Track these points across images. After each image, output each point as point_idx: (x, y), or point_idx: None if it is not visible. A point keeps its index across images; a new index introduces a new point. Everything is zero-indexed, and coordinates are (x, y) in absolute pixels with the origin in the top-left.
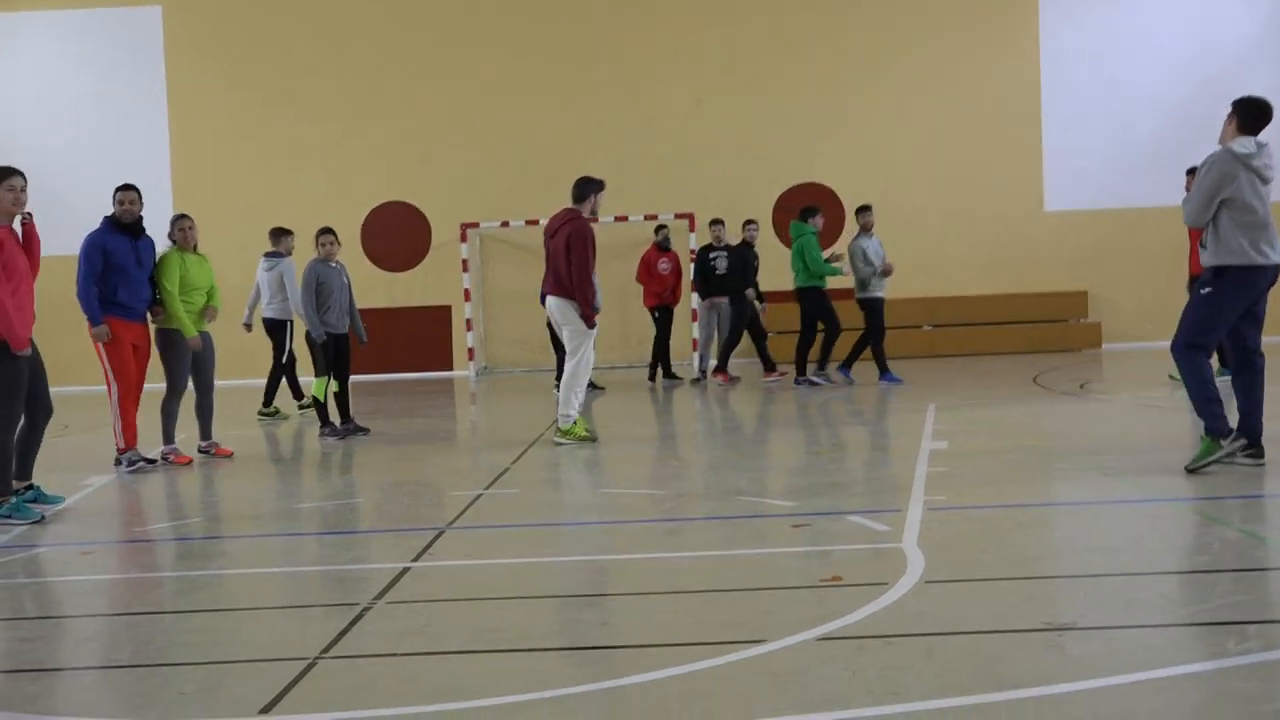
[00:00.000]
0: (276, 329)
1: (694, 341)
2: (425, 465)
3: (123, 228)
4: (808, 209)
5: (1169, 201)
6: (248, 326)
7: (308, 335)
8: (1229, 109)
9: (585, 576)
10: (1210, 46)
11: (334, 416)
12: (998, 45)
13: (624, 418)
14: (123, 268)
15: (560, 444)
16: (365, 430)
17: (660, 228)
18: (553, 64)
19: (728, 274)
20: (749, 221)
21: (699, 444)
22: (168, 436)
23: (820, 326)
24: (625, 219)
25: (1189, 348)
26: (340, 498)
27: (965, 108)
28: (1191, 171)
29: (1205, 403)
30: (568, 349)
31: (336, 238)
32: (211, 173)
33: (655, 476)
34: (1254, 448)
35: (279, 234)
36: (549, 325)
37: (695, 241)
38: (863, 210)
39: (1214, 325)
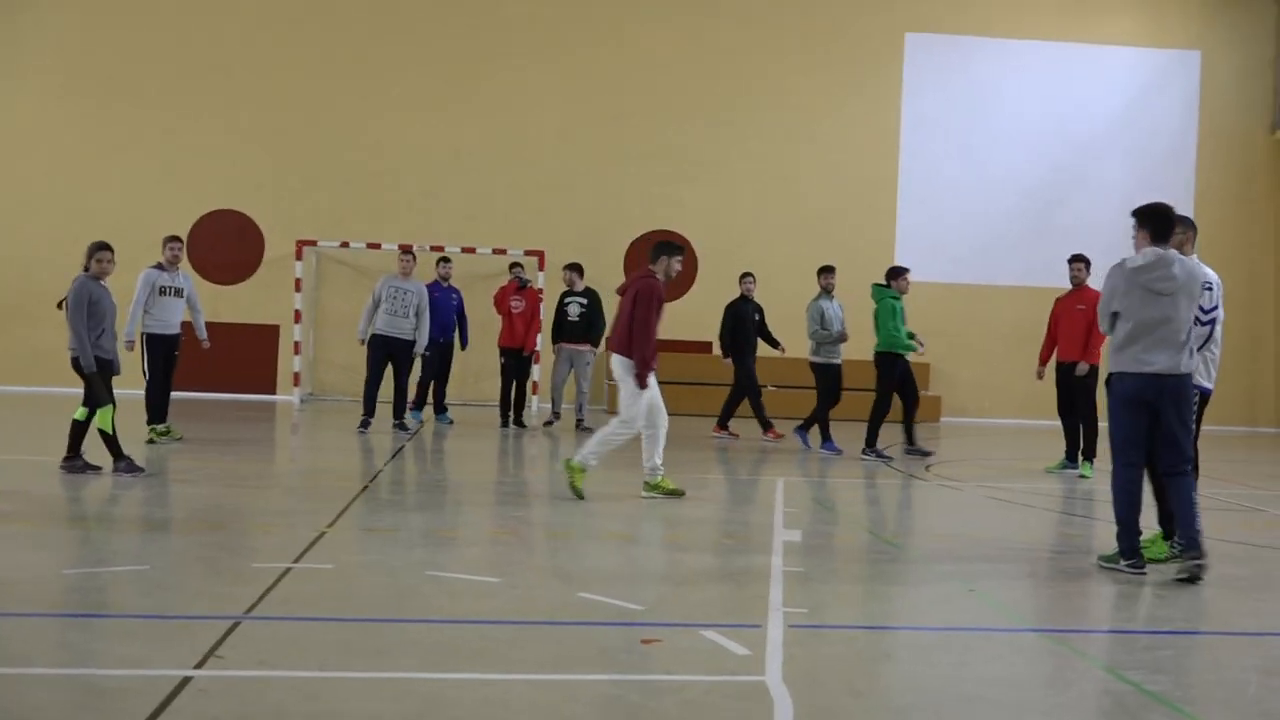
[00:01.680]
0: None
1: (533, 386)
2: (230, 517)
3: None
4: (892, 270)
5: (1017, 281)
6: (130, 344)
7: (75, 364)
8: (1135, 220)
9: (398, 705)
10: (1067, 132)
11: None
12: (862, 108)
13: (468, 469)
14: None
15: (647, 497)
16: (96, 468)
17: (514, 265)
18: (419, 81)
19: (578, 320)
20: (745, 275)
21: (545, 511)
22: None
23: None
24: (473, 250)
25: (1116, 463)
26: (120, 562)
27: (827, 166)
28: (1074, 259)
29: (1120, 523)
30: (620, 406)
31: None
32: (29, 166)
33: (493, 555)
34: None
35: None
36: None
37: (544, 280)
38: (824, 270)
39: (1119, 432)
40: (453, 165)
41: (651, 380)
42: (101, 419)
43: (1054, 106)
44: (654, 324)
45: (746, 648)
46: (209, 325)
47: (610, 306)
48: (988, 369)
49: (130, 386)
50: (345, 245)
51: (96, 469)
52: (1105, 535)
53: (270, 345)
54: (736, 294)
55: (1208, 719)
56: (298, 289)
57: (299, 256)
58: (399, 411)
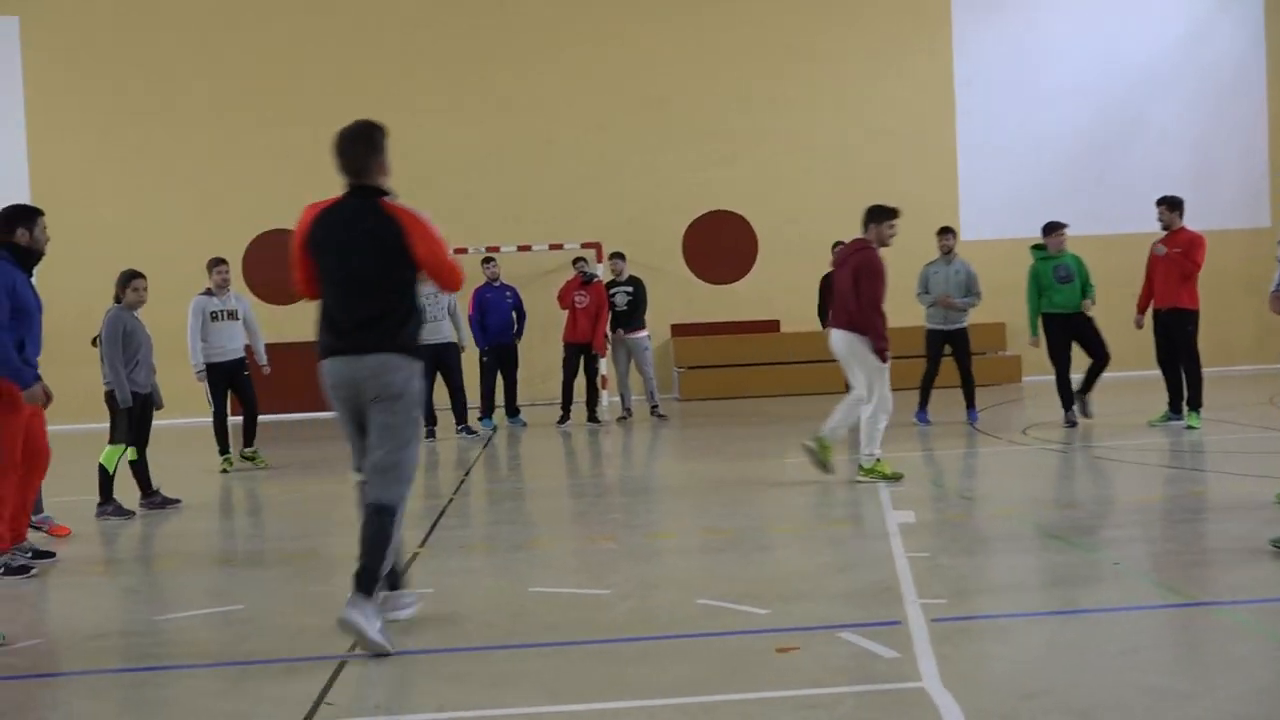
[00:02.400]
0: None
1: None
2: (317, 544)
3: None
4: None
5: (1088, 230)
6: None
7: (110, 397)
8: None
9: None
10: (1119, 70)
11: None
12: (910, 68)
13: (547, 472)
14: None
15: (861, 482)
16: (175, 501)
17: (579, 259)
18: (453, 83)
19: (626, 309)
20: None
21: (637, 511)
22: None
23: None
24: (529, 248)
25: None
26: (210, 604)
27: (878, 132)
28: (1163, 201)
29: None
30: (864, 387)
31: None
32: (74, 192)
33: (595, 564)
34: None
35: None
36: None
37: (604, 273)
38: (941, 232)
39: None
40: (493, 165)
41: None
42: (109, 456)
43: (1110, 47)
44: (880, 295)
45: (892, 649)
46: (277, 347)
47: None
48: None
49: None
50: None
51: (176, 502)
52: (1232, 489)
53: None
54: (815, 270)
55: None
56: None
57: None
58: (460, 416)
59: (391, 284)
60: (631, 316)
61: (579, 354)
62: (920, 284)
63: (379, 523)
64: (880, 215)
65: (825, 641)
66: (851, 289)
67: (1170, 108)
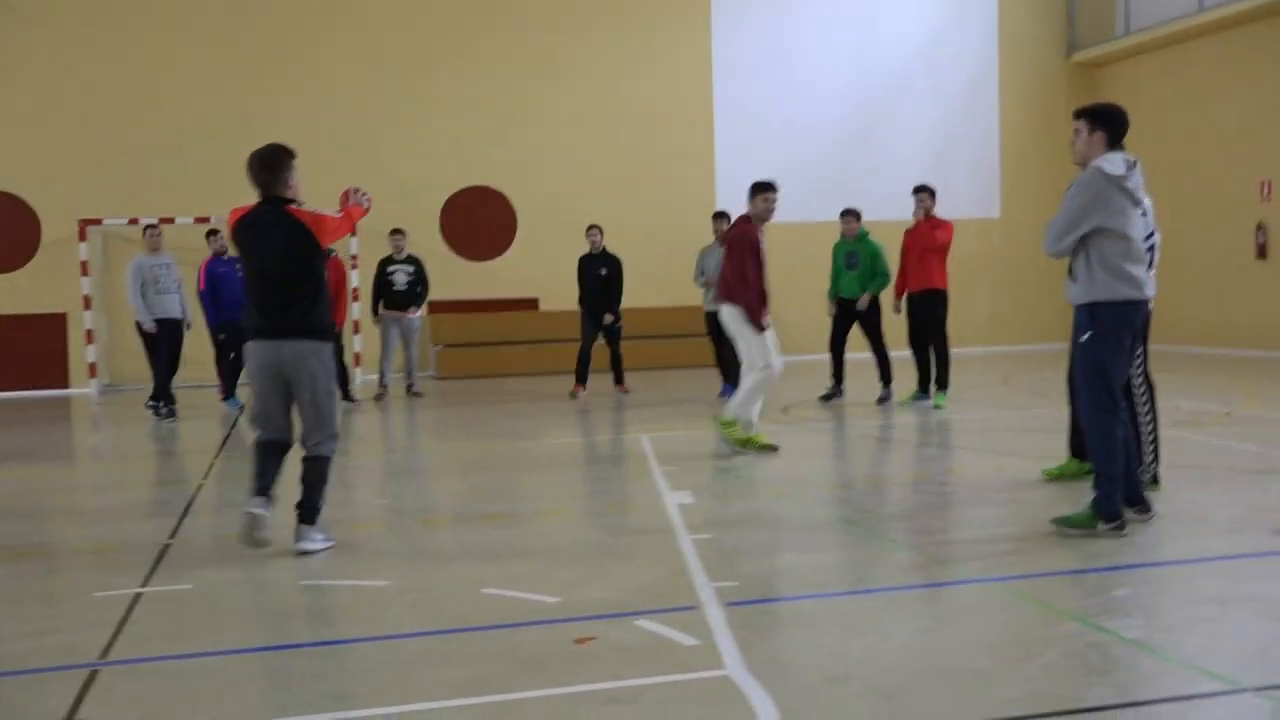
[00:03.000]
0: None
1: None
2: (51, 536)
3: None
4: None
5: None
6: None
7: None
8: (1083, 121)
9: None
10: (874, 69)
11: None
12: (672, 49)
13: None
14: None
15: (731, 450)
16: None
17: None
18: (204, 47)
19: (407, 289)
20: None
21: (400, 496)
22: None
23: None
24: None
25: (1097, 412)
26: None
27: (641, 112)
28: (921, 189)
29: (1108, 480)
30: (743, 357)
31: None
32: None
33: (364, 553)
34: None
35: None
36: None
37: (357, 247)
38: (716, 216)
39: (1110, 372)
40: (245, 133)
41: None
42: None
43: (861, 43)
44: (750, 267)
45: (691, 635)
46: None
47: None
48: (807, 308)
49: None
50: (134, 222)
51: None
52: (974, 462)
53: (58, 335)
54: (572, 249)
55: (1198, 662)
56: (85, 273)
57: (83, 237)
58: (162, 394)
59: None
60: (408, 296)
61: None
62: (696, 267)
63: (321, 467)
64: (756, 189)
65: (622, 630)
66: (729, 264)
67: (915, 104)
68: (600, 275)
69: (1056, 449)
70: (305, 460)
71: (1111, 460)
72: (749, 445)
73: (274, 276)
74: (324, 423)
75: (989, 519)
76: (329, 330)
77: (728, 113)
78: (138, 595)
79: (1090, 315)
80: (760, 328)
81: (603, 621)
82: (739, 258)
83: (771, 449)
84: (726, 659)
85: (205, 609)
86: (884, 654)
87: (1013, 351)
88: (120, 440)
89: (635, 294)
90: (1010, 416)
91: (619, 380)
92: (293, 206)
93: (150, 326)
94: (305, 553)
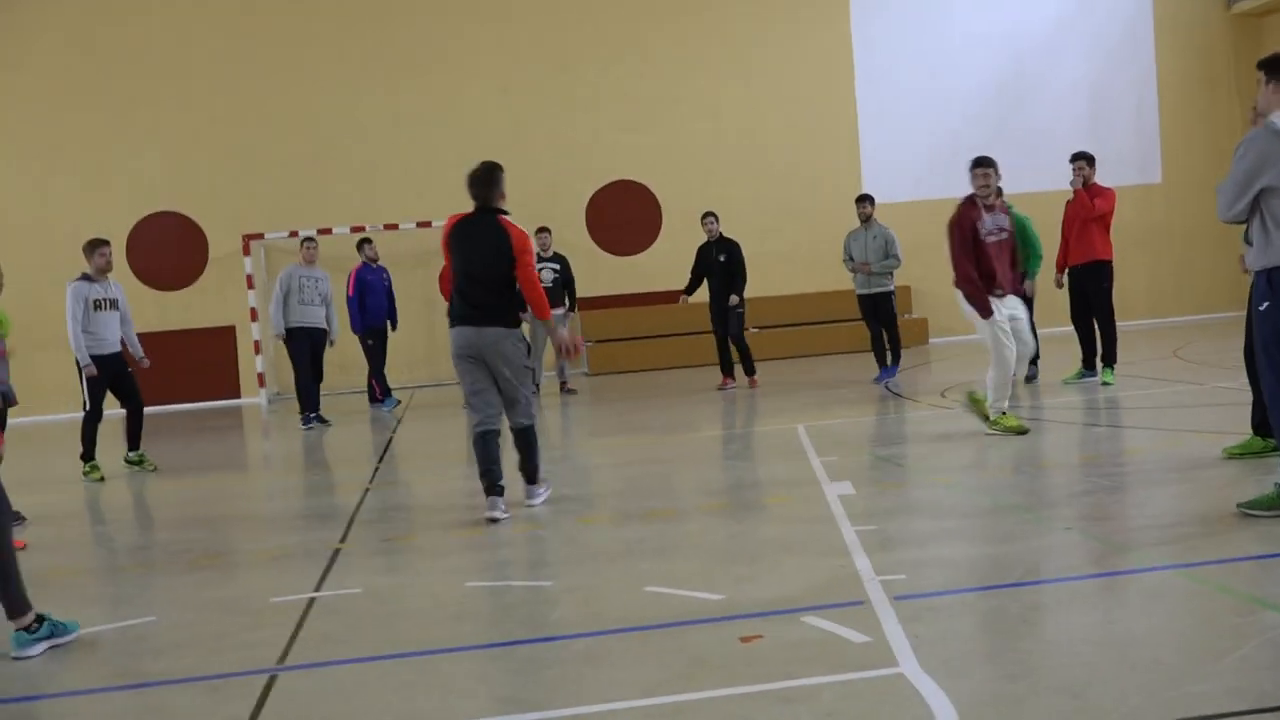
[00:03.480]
0: None
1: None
2: (228, 544)
3: None
4: None
5: None
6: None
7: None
8: (1262, 72)
9: None
10: (1020, 29)
11: None
12: (809, 33)
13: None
14: None
15: (990, 434)
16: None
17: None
18: (346, 52)
19: (553, 286)
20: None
21: (557, 496)
22: None
23: None
24: (429, 224)
25: (1279, 385)
26: (118, 618)
27: (781, 99)
28: (1078, 157)
29: None
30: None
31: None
32: None
33: (528, 553)
34: None
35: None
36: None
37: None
38: (859, 200)
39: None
40: (393, 137)
41: (999, 305)
42: None
43: (1006, 5)
44: (957, 252)
45: (861, 632)
46: (160, 336)
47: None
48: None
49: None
50: (294, 234)
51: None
52: (1148, 442)
53: (228, 348)
54: (703, 238)
55: None
56: (250, 286)
57: (246, 252)
58: (307, 405)
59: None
60: (556, 294)
61: None
62: (845, 252)
63: (529, 435)
64: (971, 165)
65: (789, 627)
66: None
67: (1065, 66)
68: (720, 262)
69: (1237, 425)
70: (515, 432)
71: None
72: (997, 425)
73: (478, 274)
74: (520, 396)
75: (1168, 502)
76: (518, 321)
77: (870, 91)
78: (311, 600)
79: (1268, 282)
80: (985, 312)
81: (769, 619)
82: (952, 243)
83: (1021, 431)
84: (899, 657)
85: (376, 612)
86: (1063, 649)
87: (1180, 323)
88: (289, 448)
89: (784, 281)
90: (1183, 392)
91: (749, 372)
92: (504, 217)
93: (280, 333)
94: (535, 505)
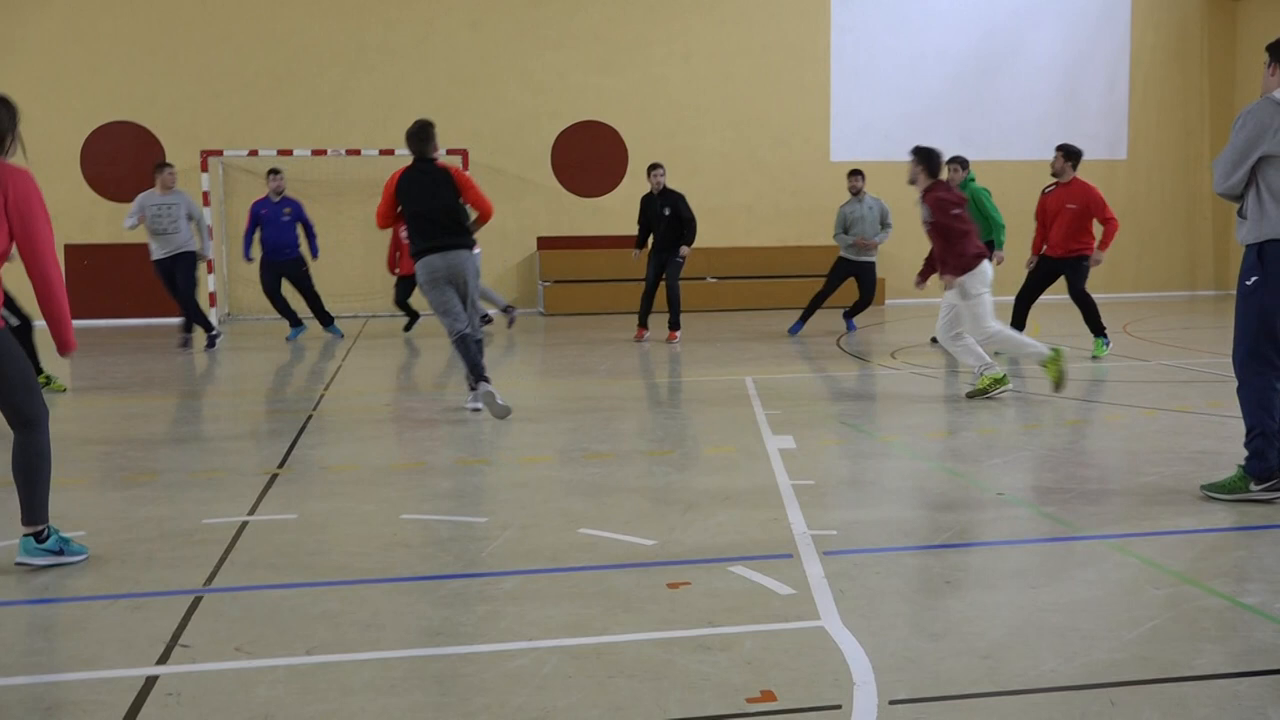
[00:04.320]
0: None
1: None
2: (166, 463)
3: None
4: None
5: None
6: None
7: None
8: (1268, 56)
9: (411, 694)
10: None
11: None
12: None
13: (383, 384)
14: None
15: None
16: None
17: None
18: None
19: (665, 228)
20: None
21: (501, 431)
22: None
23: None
24: (392, 153)
25: (1252, 361)
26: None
27: (754, 48)
28: (1061, 148)
29: (1259, 435)
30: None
31: None
32: None
33: (465, 489)
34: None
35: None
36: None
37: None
38: (851, 174)
39: (1275, 322)
40: (360, 63)
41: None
42: None
43: None
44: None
45: (787, 585)
46: (112, 249)
47: (524, 202)
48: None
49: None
50: (254, 153)
51: None
52: (1089, 414)
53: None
54: (683, 186)
55: None
56: (205, 203)
57: (204, 168)
58: (188, 326)
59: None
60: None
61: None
62: (839, 224)
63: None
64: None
65: (716, 576)
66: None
67: (1042, 35)
68: (664, 215)
69: (1177, 401)
70: (466, 339)
71: (1264, 414)
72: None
73: (431, 212)
74: (473, 309)
75: (1105, 474)
76: (473, 242)
77: (844, 46)
78: (244, 524)
79: (1259, 256)
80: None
81: (698, 567)
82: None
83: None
84: (822, 610)
85: (308, 539)
86: (985, 611)
87: (1134, 299)
88: (238, 369)
89: (749, 233)
90: (1129, 368)
91: (673, 325)
92: (440, 161)
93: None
94: (488, 395)
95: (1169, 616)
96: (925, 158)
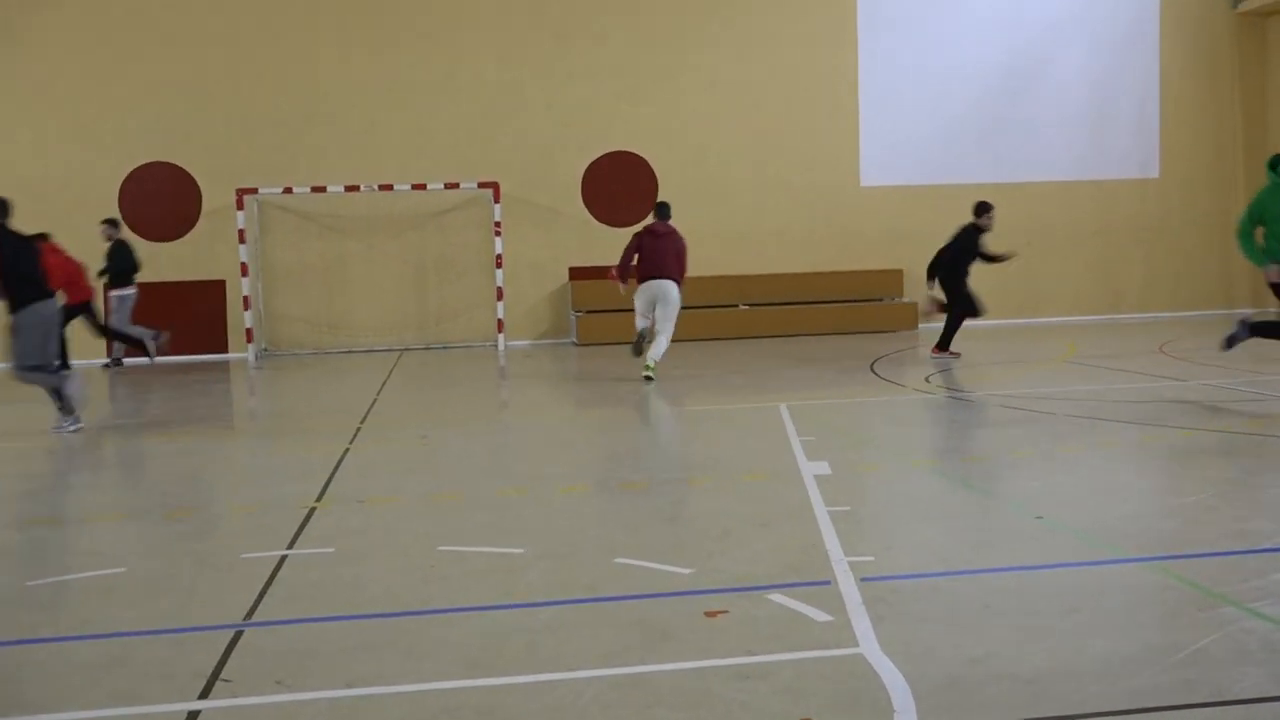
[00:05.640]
0: None
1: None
2: (202, 499)
3: None
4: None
5: (985, 179)
6: None
7: None
8: None
9: (446, 710)
10: (1027, 18)
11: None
12: (813, 8)
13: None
14: None
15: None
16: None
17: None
18: (348, 13)
19: None
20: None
21: (537, 462)
22: None
23: None
24: (423, 187)
25: None
26: (90, 566)
27: (782, 75)
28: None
29: None
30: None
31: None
32: None
33: (502, 519)
34: None
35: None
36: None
37: (500, 214)
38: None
39: None
40: (391, 100)
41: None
42: None
43: None
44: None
45: (825, 612)
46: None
47: (554, 233)
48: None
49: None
50: (288, 191)
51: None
52: (1129, 435)
53: (217, 301)
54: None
55: None
56: (241, 240)
57: (240, 206)
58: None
59: None
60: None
61: None
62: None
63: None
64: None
65: (754, 604)
66: None
67: (1070, 57)
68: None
69: (1213, 422)
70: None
71: None
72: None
73: None
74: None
75: (1143, 495)
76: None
77: (872, 71)
78: (283, 558)
79: None
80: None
81: (735, 595)
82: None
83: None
84: (860, 638)
85: (345, 572)
86: (1026, 636)
87: (1171, 318)
88: (275, 403)
89: (781, 259)
90: (1166, 387)
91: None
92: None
93: None
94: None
95: (1212, 639)
96: None
